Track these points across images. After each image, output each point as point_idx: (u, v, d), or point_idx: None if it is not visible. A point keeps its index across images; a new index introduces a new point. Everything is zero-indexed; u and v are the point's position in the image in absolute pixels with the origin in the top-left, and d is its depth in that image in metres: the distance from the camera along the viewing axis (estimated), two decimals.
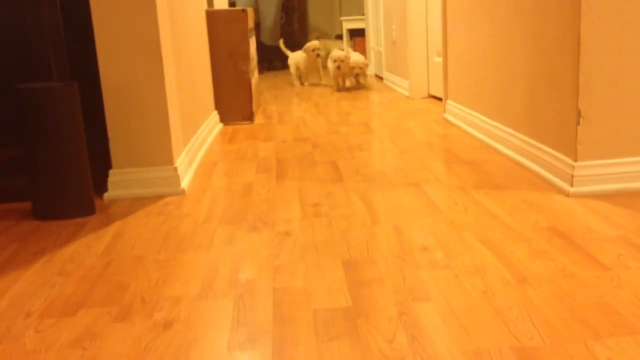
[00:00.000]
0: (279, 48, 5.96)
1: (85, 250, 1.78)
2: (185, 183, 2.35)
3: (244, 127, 3.45)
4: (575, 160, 1.99)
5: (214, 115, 3.63)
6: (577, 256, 1.52)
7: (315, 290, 1.43)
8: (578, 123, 1.96)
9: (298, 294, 1.41)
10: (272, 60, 7.33)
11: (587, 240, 1.62)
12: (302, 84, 5.73)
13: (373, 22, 6.21)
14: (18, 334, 1.31)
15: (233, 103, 3.61)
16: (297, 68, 5.60)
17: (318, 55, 5.45)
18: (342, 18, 7.38)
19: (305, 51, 5.43)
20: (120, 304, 1.42)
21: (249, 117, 3.84)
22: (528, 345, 1.14)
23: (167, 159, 2.30)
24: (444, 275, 1.46)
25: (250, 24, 4.02)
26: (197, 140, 2.88)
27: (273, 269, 1.56)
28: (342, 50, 5.27)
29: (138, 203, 2.21)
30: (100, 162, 2.28)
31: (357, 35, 6.93)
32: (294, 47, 5.79)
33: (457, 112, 3.31)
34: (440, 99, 3.99)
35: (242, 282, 1.50)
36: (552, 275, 1.42)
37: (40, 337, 1.29)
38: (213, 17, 3.71)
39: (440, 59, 3.79)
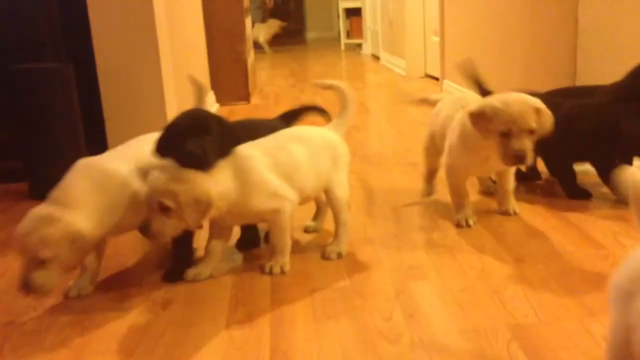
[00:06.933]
0: None
1: None
2: None
3: (240, 108, 3.44)
4: None
5: (210, 96, 3.62)
6: (572, 234, 1.53)
7: (313, 271, 1.43)
8: None
9: (296, 274, 1.42)
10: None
11: (582, 220, 1.62)
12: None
13: (369, 1, 6.16)
14: (17, 313, 1.32)
15: (229, 83, 3.59)
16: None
17: None
18: None
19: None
20: (119, 284, 1.43)
21: (246, 97, 3.82)
22: (524, 323, 1.15)
23: None
24: (441, 255, 1.47)
25: (246, 3, 3.99)
26: None
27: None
28: None
29: None
30: (96, 144, 2.27)
31: (354, 14, 6.89)
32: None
33: (454, 92, 3.30)
34: (437, 79, 3.97)
35: (240, 262, 1.51)
36: (548, 254, 1.43)
37: (40, 317, 1.30)
38: None
39: (437, 38, 3.77)
